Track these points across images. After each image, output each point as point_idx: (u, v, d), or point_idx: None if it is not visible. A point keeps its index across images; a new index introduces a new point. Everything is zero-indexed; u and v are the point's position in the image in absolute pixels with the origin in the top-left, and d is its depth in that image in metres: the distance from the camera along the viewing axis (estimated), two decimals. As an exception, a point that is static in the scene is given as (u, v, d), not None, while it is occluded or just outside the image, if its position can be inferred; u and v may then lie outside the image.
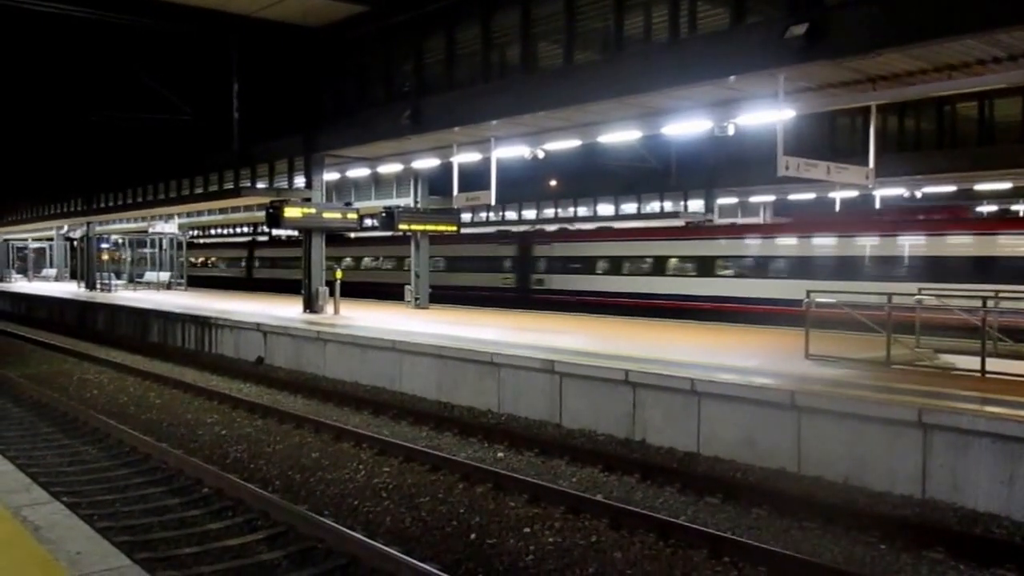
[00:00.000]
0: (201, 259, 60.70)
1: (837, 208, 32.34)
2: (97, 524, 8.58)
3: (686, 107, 17.22)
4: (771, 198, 37.54)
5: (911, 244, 23.68)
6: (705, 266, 28.44)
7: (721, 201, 38.18)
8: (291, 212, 23.99)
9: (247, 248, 55.46)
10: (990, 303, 13.92)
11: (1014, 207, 36.04)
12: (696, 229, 31.43)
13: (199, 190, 31.31)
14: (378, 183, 29.47)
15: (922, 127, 30.04)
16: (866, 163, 16.51)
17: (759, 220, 34.90)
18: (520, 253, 35.32)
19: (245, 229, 66.95)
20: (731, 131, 17.14)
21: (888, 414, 10.55)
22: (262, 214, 28.10)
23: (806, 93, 15.68)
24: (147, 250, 46.88)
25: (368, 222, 34.23)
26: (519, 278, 34.91)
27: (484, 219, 49.01)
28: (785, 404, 11.49)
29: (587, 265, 32.60)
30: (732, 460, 11.95)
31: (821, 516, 9.55)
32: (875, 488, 10.50)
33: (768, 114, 15.75)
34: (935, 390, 11.55)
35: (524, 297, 33.41)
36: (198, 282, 48.71)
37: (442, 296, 30.60)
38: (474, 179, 23.71)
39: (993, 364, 12.82)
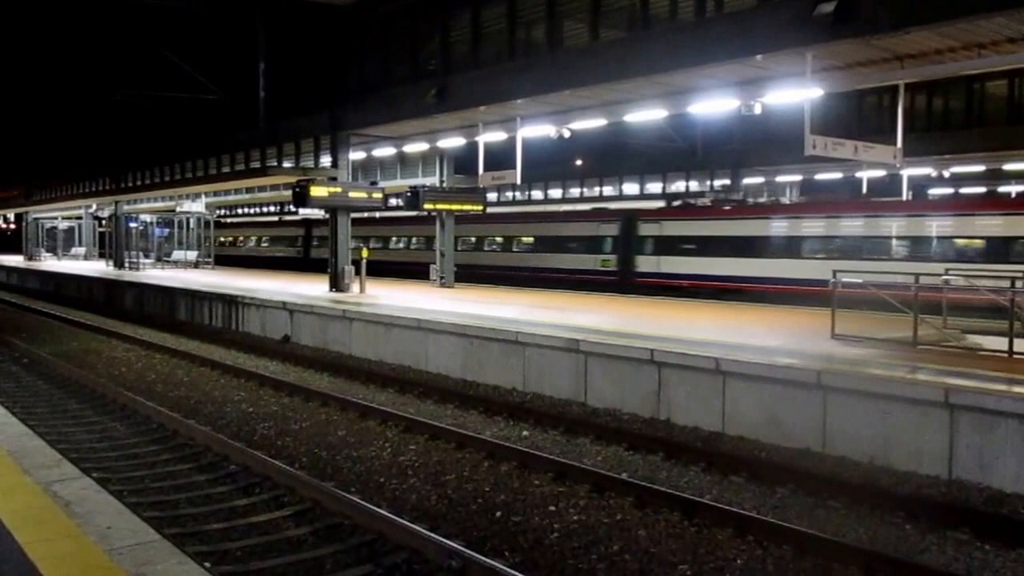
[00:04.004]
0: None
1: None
2: (126, 499, 8.67)
3: (712, 86, 17.10)
4: (798, 177, 37.38)
5: None
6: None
7: (747, 180, 38.01)
8: (317, 191, 24.07)
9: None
10: (1018, 283, 13.81)
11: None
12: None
13: (226, 169, 31.47)
14: (404, 162, 29.46)
15: (951, 106, 29.76)
16: (894, 142, 16.39)
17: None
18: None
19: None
20: (758, 110, 17.02)
21: (914, 394, 10.51)
22: (288, 193, 28.19)
23: (834, 72, 15.54)
24: (174, 229, 47.02)
25: (392, 201, 34.09)
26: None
27: (511, 198, 48.83)
28: (811, 384, 11.47)
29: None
30: (757, 439, 11.94)
31: (846, 496, 9.54)
32: (901, 468, 10.48)
33: (795, 93, 15.64)
34: (962, 370, 11.48)
35: None
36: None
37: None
38: (500, 158, 23.68)
39: (1021, 345, 12.73)
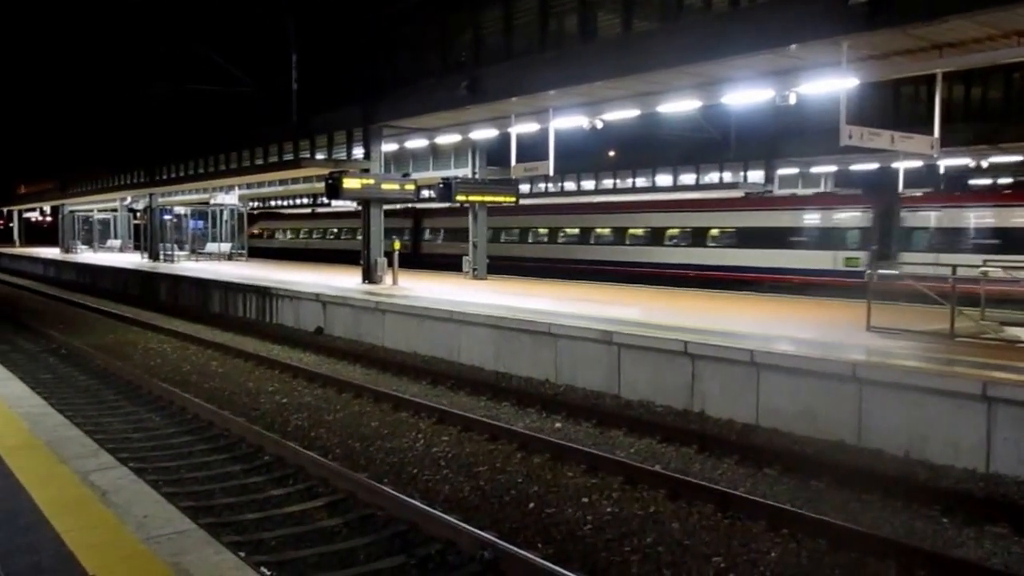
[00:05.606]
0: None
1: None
2: (162, 489, 8.71)
3: (746, 76, 16.99)
4: (832, 168, 37.09)
5: None
6: None
7: (781, 172, 37.72)
8: (350, 183, 24.15)
9: None
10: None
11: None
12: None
13: (259, 161, 31.60)
14: (436, 154, 29.49)
15: (989, 95, 29.38)
16: (931, 132, 16.22)
17: None
18: None
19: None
20: (792, 100, 16.87)
21: (951, 387, 10.40)
22: (321, 185, 28.32)
23: (870, 61, 15.40)
24: (207, 222, 47.26)
25: (425, 193, 34.02)
26: None
27: (544, 190, 48.67)
28: (846, 376, 11.37)
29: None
30: (791, 432, 11.87)
31: (881, 489, 9.46)
32: (937, 461, 10.37)
33: (831, 83, 15.49)
34: (1000, 363, 11.36)
35: None
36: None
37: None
38: (532, 149, 23.64)
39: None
